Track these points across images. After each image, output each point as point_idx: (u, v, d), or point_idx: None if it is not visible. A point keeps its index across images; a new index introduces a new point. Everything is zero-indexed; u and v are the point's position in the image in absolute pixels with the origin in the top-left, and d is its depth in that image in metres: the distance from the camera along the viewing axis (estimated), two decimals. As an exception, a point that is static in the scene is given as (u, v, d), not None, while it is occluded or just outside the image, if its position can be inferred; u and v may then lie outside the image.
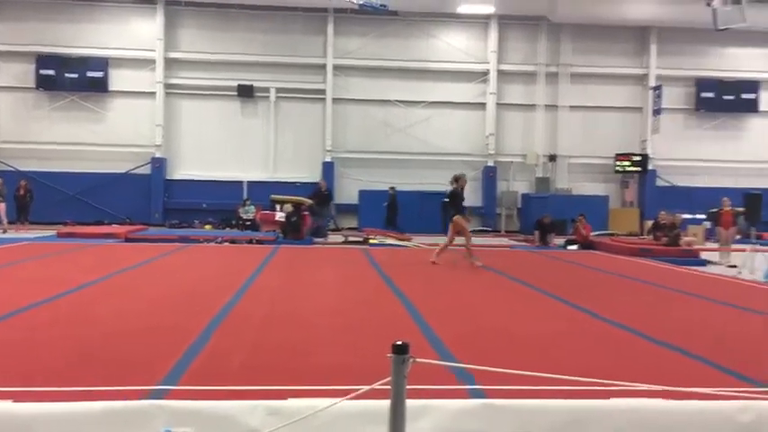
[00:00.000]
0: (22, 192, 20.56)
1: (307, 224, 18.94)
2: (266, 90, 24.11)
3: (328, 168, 24.14)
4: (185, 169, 24.18)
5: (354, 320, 6.80)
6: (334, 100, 24.38)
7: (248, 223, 21.22)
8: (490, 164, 24.76)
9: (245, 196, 22.98)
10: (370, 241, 18.39)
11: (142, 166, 23.89)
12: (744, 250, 14.50)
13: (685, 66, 25.06)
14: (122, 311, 6.90)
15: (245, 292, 8.44)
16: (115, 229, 19.51)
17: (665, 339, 6.10)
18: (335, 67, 24.33)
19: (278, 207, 20.59)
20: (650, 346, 5.94)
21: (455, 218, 12.23)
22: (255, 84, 23.99)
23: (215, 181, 23.76)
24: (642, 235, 22.29)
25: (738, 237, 17.61)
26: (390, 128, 24.61)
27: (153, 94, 23.82)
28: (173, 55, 24.00)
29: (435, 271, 11.67)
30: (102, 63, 23.58)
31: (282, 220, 19.31)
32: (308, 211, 19.51)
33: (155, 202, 23.76)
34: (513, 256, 15.10)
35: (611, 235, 21.83)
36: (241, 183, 23.92)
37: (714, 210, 17.88)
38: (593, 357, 5.48)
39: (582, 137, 24.86)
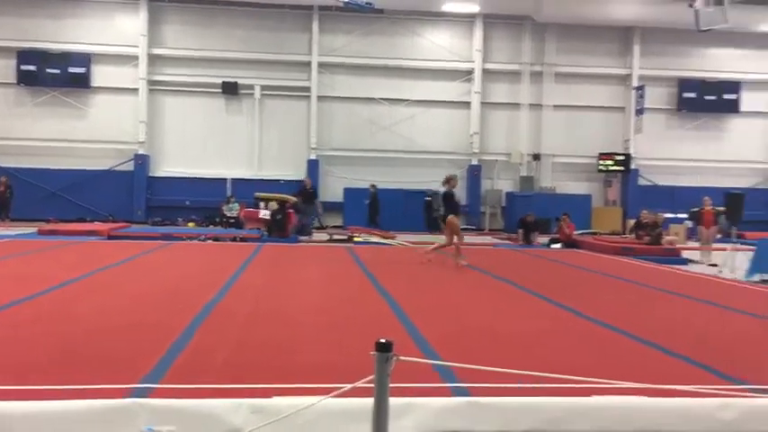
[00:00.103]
0: (2, 188, 20.30)
1: (292, 222, 18.89)
2: (251, 87, 24.01)
3: (313, 166, 24.08)
4: (169, 166, 24.02)
5: (339, 318, 6.80)
6: (319, 98, 24.33)
7: (232, 221, 21.13)
8: (475, 162, 24.84)
9: (229, 194, 22.88)
10: (355, 239, 18.39)
11: (125, 162, 23.70)
12: (724, 249, 14.65)
13: (668, 66, 25.27)
14: (105, 309, 6.84)
15: (229, 289, 8.40)
16: (97, 226, 19.34)
17: (647, 337, 6.15)
18: (320, 65, 24.27)
19: (262, 205, 20.52)
20: (633, 345, 5.98)
21: (449, 218, 12.29)
22: (240, 81, 23.88)
23: (199, 178, 23.63)
24: (625, 234, 22.45)
25: (719, 236, 17.78)
26: (375, 126, 24.60)
27: (136, 90, 23.63)
28: (156, 51, 23.82)
29: (419, 269, 11.69)
30: (85, 59, 23.36)
31: (267, 217, 19.25)
32: (293, 209, 19.46)
33: (138, 200, 23.58)
34: (497, 255, 15.15)
35: (594, 234, 21.97)
36: (225, 180, 23.81)
37: (695, 209, 18.04)
38: (577, 355, 5.51)
39: (566, 136, 25.00)
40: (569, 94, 25.09)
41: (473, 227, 24.16)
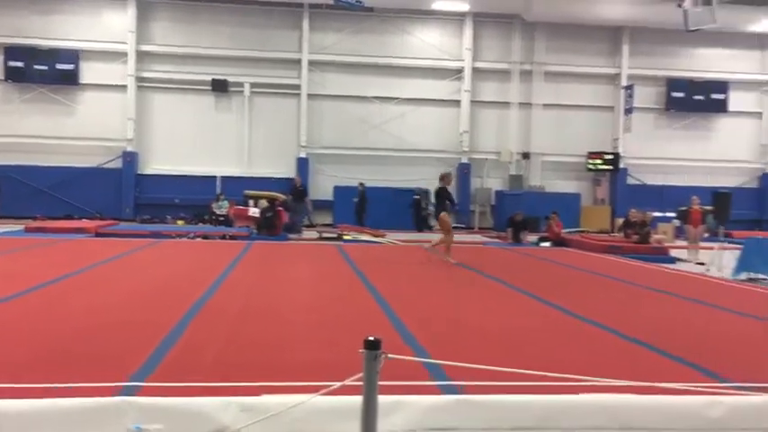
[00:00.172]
0: (-11, 185, 20.17)
1: (283, 220, 18.85)
2: (240, 85, 23.94)
3: (303, 164, 24.05)
4: (157, 164, 23.91)
5: (328, 316, 6.79)
6: (309, 95, 24.30)
7: (221, 219, 21.06)
8: (464, 161, 24.88)
9: (218, 191, 22.80)
10: (345, 237, 18.37)
11: (113, 160, 23.58)
12: (712, 248, 14.75)
13: (657, 66, 25.41)
14: (93, 306, 6.80)
15: (219, 287, 8.37)
16: (85, 223, 19.21)
17: (635, 336, 6.18)
18: (311, 63, 24.24)
19: (251, 203, 20.46)
20: (621, 342, 6.01)
21: (440, 215, 12.33)
22: (230, 78, 23.81)
23: (188, 176, 23.54)
24: (613, 232, 22.56)
25: (707, 235, 17.91)
26: (365, 124, 24.59)
27: (124, 87, 23.52)
28: (145, 48, 23.71)
29: (409, 268, 11.70)
30: (73, 55, 23.21)
31: (256, 215, 19.19)
32: (283, 207, 19.42)
33: (126, 197, 23.47)
34: (487, 253, 15.18)
35: (583, 232, 22.06)
36: (214, 178, 23.73)
37: (683, 208, 18.16)
38: (565, 353, 5.53)
39: (555, 135, 25.10)
40: (559, 93, 25.18)
41: (462, 225, 24.20)
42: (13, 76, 22.99)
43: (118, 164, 23.60)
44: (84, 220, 21.21)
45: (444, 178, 12.56)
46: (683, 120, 25.86)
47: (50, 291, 7.87)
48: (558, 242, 18.46)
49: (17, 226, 18.22)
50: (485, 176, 25.34)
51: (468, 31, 24.80)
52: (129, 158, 23.53)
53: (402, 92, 24.68)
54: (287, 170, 23.81)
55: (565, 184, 25.44)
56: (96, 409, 3.84)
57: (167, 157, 23.83)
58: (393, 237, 18.79)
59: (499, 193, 24.82)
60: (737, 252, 13.24)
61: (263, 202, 19.45)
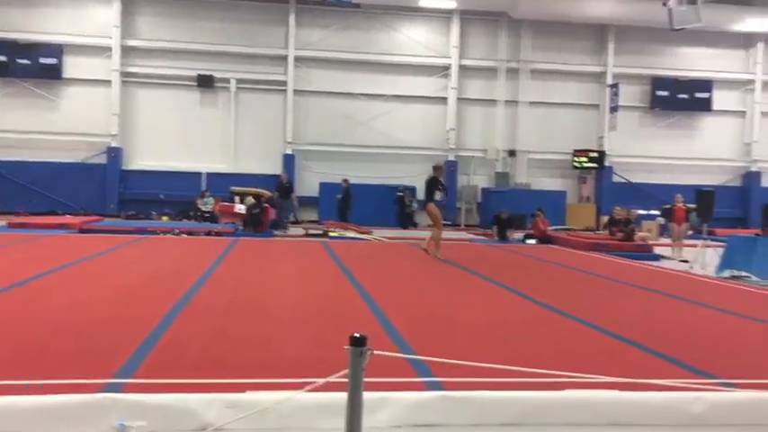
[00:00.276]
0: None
1: (269, 217, 18.80)
2: (226, 80, 23.81)
3: (289, 161, 23.97)
4: (142, 159, 23.74)
5: (314, 313, 6.78)
6: (296, 92, 24.22)
7: (207, 215, 20.95)
8: (451, 158, 24.90)
9: (203, 188, 22.68)
10: (331, 234, 18.34)
11: (97, 155, 23.38)
12: (695, 246, 14.87)
13: (641, 64, 25.55)
14: (77, 303, 6.75)
15: (203, 284, 8.34)
16: (69, 219, 19.07)
17: (619, 332, 6.22)
18: (297, 59, 24.15)
19: (237, 199, 20.37)
20: (605, 339, 6.05)
21: (427, 206, 12.26)
22: (215, 74, 23.68)
23: (173, 172, 23.38)
24: (598, 230, 22.68)
25: (690, 232, 18.05)
26: (352, 121, 24.55)
27: (109, 82, 23.30)
28: (130, 43, 23.51)
29: (395, 264, 11.72)
30: (57, 50, 22.98)
31: (242, 212, 19.12)
32: (269, 204, 19.36)
33: (110, 193, 23.28)
34: (473, 250, 15.22)
35: (568, 230, 22.15)
36: (200, 174, 23.59)
37: (667, 206, 18.29)
38: (550, 350, 5.55)
39: (541, 133, 25.18)
40: (545, 90, 25.26)
41: (449, 222, 24.23)
42: (-4, 69, 22.74)
43: (102, 159, 23.40)
44: (67, 216, 21.05)
45: (436, 169, 12.52)
46: (667, 118, 26.04)
47: (33, 287, 7.80)
48: (544, 239, 18.54)
49: (-1, 222, 18.05)
50: (471, 174, 25.37)
51: (455, 29, 24.82)
52: (114, 154, 23.34)
53: (389, 89, 24.66)
54: (273, 167, 23.73)
55: (550, 182, 25.54)
56: (80, 406, 3.81)
57: (152, 153, 23.67)
58: (379, 234, 18.79)
59: (485, 191, 24.87)
60: (720, 250, 13.36)
61: (250, 199, 19.37)
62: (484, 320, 6.73)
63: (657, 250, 16.81)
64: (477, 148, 25.26)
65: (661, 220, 20.89)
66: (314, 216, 23.60)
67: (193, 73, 23.55)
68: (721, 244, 13.94)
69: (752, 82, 26.14)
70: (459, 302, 7.87)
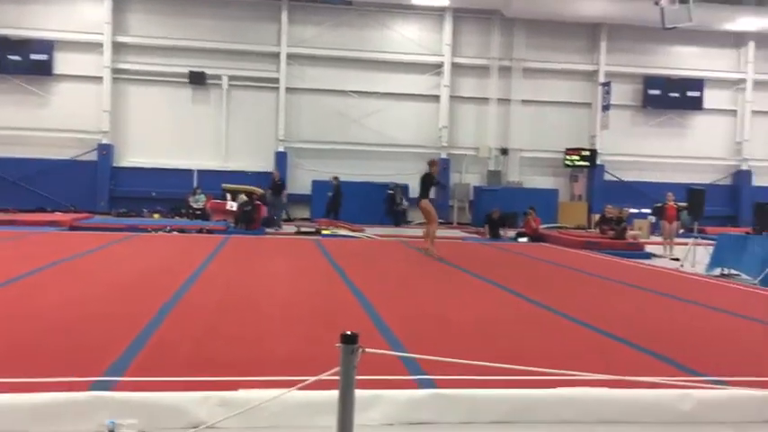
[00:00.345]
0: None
1: (261, 214, 18.77)
2: (218, 77, 23.73)
3: (281, 158, 23.92)
4: (133, 157, 23.64)
5: (306, 311, 6.77)
6: (288, 89, 24.16)
7: (198, 213, 20.89)
8: (443, 156, 24.89)
9: (195, 185, 22.60)
10: (323, 232, 18.33)
11: (88, 152, 23.26)
12: (686, 244, 14.95)
13: (634, 63, 25.63)
14: (67, 300, 6.72)
15: (195, 282, 8.32)
16: (59, 216, 18.98)
17: (610, 330, 6.25)
18: (289, 56, 24.09)
19: (229, 196, 20.33)
20: (596, 337, 6.08)
21: (420, 203, 12.26)
22: (207, 71, 23.59)
23: (164, 169, 23.30)
24: (590, 228, 22.76)
25: (681, 231, 18.14)
26: (344, 118, 24.51)
27: (100, 78, 23.18)
28: (121, 39, 23.40)
29: (387, 262, 11.72)
30: (47, 46, 22.85)
31: (233, 209, 19.08)
32: (261, 201, 19.34)
33: (101, 190, 23.18)
34: (465, 248, 15.24)
35: (560, 228, 22.24)
36: (191, 171, 23.52)
37: (658, 204, 18.37)
38: (541, 347, 5.57)
39: (533, 131, 25.22)
40: (537, 89, 25.30)
41: (441, 220, 24.22)
42: (-14, 66, 22.59)
43: (93, 156, 23.28)
44: (57, 213, 20.95)
45: (432, 165, 12.52)
46: (659, 117, 26.13)
47: (23, 284, 7.76)
48: (536, 237, 18.59)
49: (-11, 219, 17.91)
50: (463, 172, 25.39)
51: (447, 27, 24.82)
52: (105, 151, 23.23)
53: (381, 86, 24.64)
54: (265, 164, 23.68)
55: (542, 180, 25.60)
56: (70, 404, 3.80)
57: (143, 150, 23.57)
58: (371, 231, 18.80)
59: (477, 189, 24.89)
60: (711, 248, 13.43)
61: (242, 197, 19.34)
62: (476, 318, 6.75)
63: (649, 248, 16.89)
64: (470, 146, 25.28)
65: (652, 219, 20.98)
66: (306, 214, 23.58)
67: (185, 70, 23.46)
68: (711, 242, 14.01)
69: (743, 81, 26.26)
70: (452, 300, 7.88)
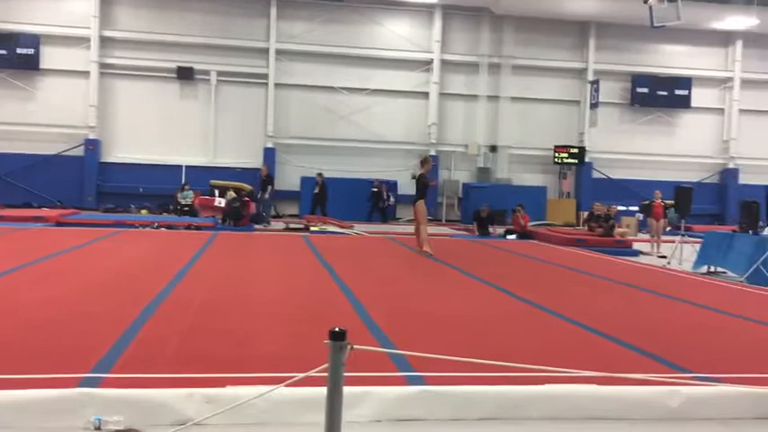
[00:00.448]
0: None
1: (250, 210, 18.70)
2: (207, 73, 23.60)
3: (269, 154, 23.85)
4: (121, 152, 23.48)
5: (294, 308, 6.75)
6: (277, 85, 24.07)
7: (186, 209, 20.79)
8: (432, 153, 24.89)
9: (183, 181, 22.48)
10: (311, 228, 18.29)
11: (75, 147, 23.08)
12: (673, 241, 15.03)
13: (622, 61, 25.74)
14: (53, 297, 6.66)
15: (183, 278, 8.28)
16: (46, 212, 18.82)
17: (597, 327, 6.27)
18: (278, 52, 24.00)
19: (217, 192, 20.24)
20: (584, 333, 6.09)
21: (415, 204, 12.32)
22: (195, 66, 23.46)
23: (152, 165, 23.15)
24: (578, 225, 22.85)
25: (668, 228, 18.24)
26: (333, 115, 24.46)
27: (87, 73, 23.01)
28: (108, 33, 23.21)
29: (375, 259, 11.71)
30: (34, 40, 22.63)
31: (222, 205, 19.00)
32: (249, 198, 19.27)
33: (88, 186, 23.01)
34: (454, 245, 15.25)
35: (549, 225, 22.30)
36: (179, 167, 23.38)
37: (646, 202, 18.46)
38: (529, 344, 5.58)
39: (522, 128, 25.27)
40: (526, 86, 25.35)
41: (430, 217, 24.23)
42: (-29, 60, 22.36)
43: (80, 151, 23.10)
44: (44, 208, 20.78)
45: (424, 165, 12.55)
46: (647, 115, 26.25)
47: (9, 280, 7.69)
48: (524, 235, 18.63)
49: (-26, 214, 17.74)
50: (452, 169, 25.41)
51: (437, 24, 24.81)
52: (92, 146, 23.06)
53: (370, 83, 24.60)
54: (253, 160, 23.59)
55: (531, 177, 25.65)
56: (56, 401, 3.77)
57: (131, 146, 23.41)
58: (359, 228, 18.78)
59: (466, 186, 24.92)
60: (698, 245, 13.51)
61: (230, 193, 19.26)
62: (464, 315, 6.75)
63: (636, 246, 16.97)
64: (459, 143, 25.29)
65: (640, 216, 21.08)
66: (295, 210, 23.52)
67: (173, 65, 23.32)
68: (698, 240, 14.10)
69: (730, 79, 26.43)
70: (440, 297, 7.88)
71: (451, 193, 25.14)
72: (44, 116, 22.77)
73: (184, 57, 23.43)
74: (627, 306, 7.84)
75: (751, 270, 11.18)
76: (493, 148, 25.37)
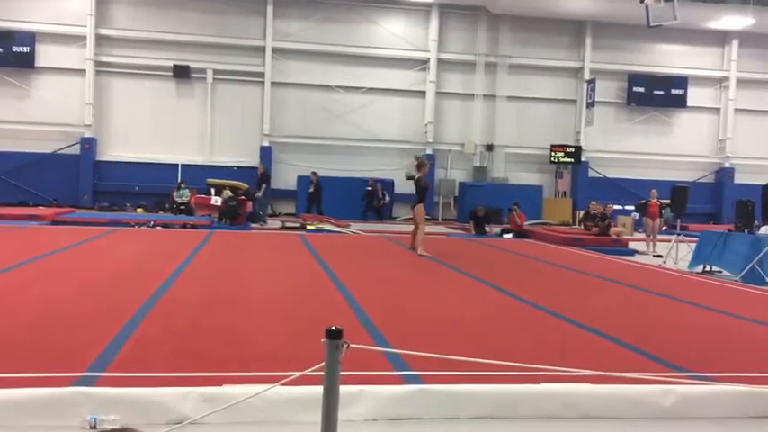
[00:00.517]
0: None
1: (246, 209, 18.69)
2: (203, 71, 23.56)
3: (266, 153, 23.82)
4: (117, 150, 23.42)
5: (291, 307, 6.75)
6: (273, 83, 24.04)
7: (183, 207, 20.77)
8: (429, 152, 24.88)
9: (179, 180, 22.44)
10: (308, 227, 18.29)
11: (70, 146, 23.02)
12: (669, 241, 15.06)
13: (618, 61, 25.76)
14: (49, 296, 6.66)
15: (179, 277, 8.27)
16: (41, 211, 18.79)
17: (593, 326, 6.28)
18: (275, 50, 23.97)
19: (213, 191, 20.21)
20: (579, 332, 6.11)
21: (415, 208, 12.42)
22: (192, 64, 23.41)
23: (148, 163, 23.10)
24: (574, 225, 22.88)
25: (664, 228, 18.27)
26: (330, 113, 24.45)
27: (83, 71, 22.94)
28: (104, 32, 23.15)
29: (372, 258, 11.71)
30: (29, 38, 22.56)
31: (218, 204, 18.98)
32: (246, 196, 19.26)
33: (84, 184, 22.95)
34: (450, 244, 15.26)
35: (545, 224, 22.33)
36: (176, 166, 23.34)
37: (642, 201, 18.48)
38: (525, 343, 5.59)
39: (518, 127, 25.28)
40: (522, 85, 25.36)
41: (427, 216, 24.22)
42: (-34, 58, 22.28)
43: (75, 150, 23.03)
44: (40, 207, 20.74)
45: (421, 168, 12.62)
46: (643, 114, 26.28)
47: (4, 279, 7.67)
48: (520, 234, 18.65)
49: (-30, 212, 17.70)
50: (449, 168, 25.42)
51: (433, 22, 24.80)
52: (88, 144, 23.00)
53: (367, 82, 24.58)
54: (250, 159, 23.56)
55: (527, 176, 25.66)
56: (52, 399, 3.77)
57: (127, 144, 23.36)
58: (356, 227, 18.77)
59: (463, 185, 24.92)
60: (693, 245, 13.54)
61: (227, 192, 19.24)
62: (460, 314, 6.76)
63: (632, 245, 17.00)
64: (455, 141, 25.30)
65: (635, 216, 21.11)
66: (291, 209, 23.50)
67: (169, 63, 23.27)
68: (694, 239, 14.13)
69: (726, 79, 26.47)
70: (437, 296, 7.89)
71: (448, 192, 25.15)
72: (40, 114, 22.71)
73: (181, 55, 23.38)
74: (622, 305, 7.86)
75: (746, 269, 11.21)
76: (489, 147, 25.37)
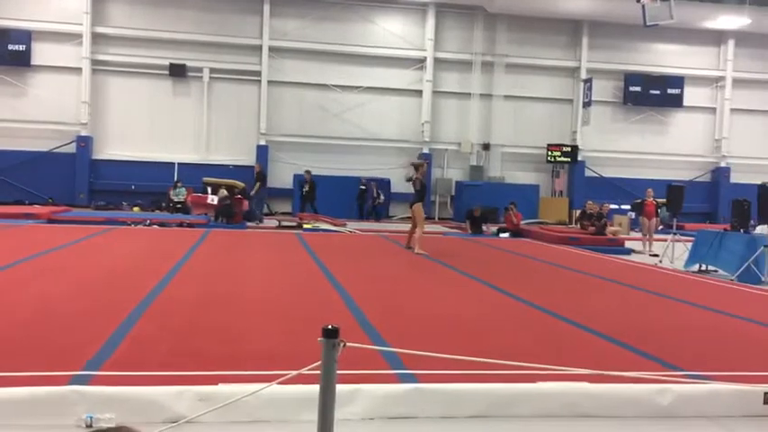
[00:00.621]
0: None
1: (242, 208, 18.67)
2: (199, 70, 23.51)
3: (262, 152, 23.78)
4: (113, 149, 23.36)
5: (287, 305, 6.74)
6: (270, 82, 24.01)
7: (179, 206, 20.73)
8: (425, 151, 24.90)
9: (175, 178, 22.40)
10: (304, 226, 18.27)
11: (66, 144, 22.96)
12: (665, 240, 15.08)
13: (615, 60, 25.78)
14: (45, 294, 6.64)
15: (175, 275, 8.25)
16: (37, 209, 18.74)
17: (589, 325, 6.28)
18: (271, 49, 23.93)
19: (209, 190, 20.18)
20: (576, 331, 6.11)
21: (414, 207, 12.47)
22: (188, 63, 23.35)
23: (144, 162, 23.05)
24: (570, 224, 22.89)
25: (660, 227, 18.29)
26: (326, 112, 24.42)
27: (79, 69, 22.87)
28: (100, 30, 23.09)
29: (368, 257, 11.71)
30: (25, 36, 22.49)
31: (214, 203, 18.95)
32: (242, 195, 19.23)
33: (80, 183, 22.89)
34: (447, 243, 15.26)
35: (541, 223, 22.34)
36: (172, 164, 23.29)
37: (638, 200, 18.51)
38: (521, 342, 5.59)
39: (515, 126, 25.29)
40: (519, 84, 25.36)
41: (424, 215, 24.21)
42: (-38, 56, 22.21)
43: (71, 148, 22.97)
44: (35, 205, 20.68)
45: (418, 169, 12.74)
46: (639, 113, 26.31)
47: (1, 277, 7.65)
48: (517, 233, 18.66)
49: (-35, 211, 17.64)
50: (445, 167, 25.42)
51: (430, 21, 24.79)
52: (84, 143, 22.93)
53: (364, 81, 24.56)
54: (246, 158, 23.53)
55: (524, 176, 25.68)
56: (48, 398, 3.76)
57: (123, 143, 23.31)
58: (352, 226, 18.77)
59: (459, 184, 24.93)
60: (689, 244, 13.56)
61: (223, 191, 19.22)
62: (457, 313, 6.76)
63: (628, 244, 17.02)
64: (452, 141, 25.30)
65: (631, 215, 21.13)
66: (288, 208, 23.47)
67: (166, 62, 23.21)
68: (690, 238, 14.15)
69: (722, 79, 26.51)
70: (433, 295, 7.89)
71: (444, 191, 25.16)
72: (36, 113, 22.64)
73: (177, 54, 23.33)
74: (619, 304, 7.87)
75: (742, 269, 11.23)
76: (486, 147, 25.38)
